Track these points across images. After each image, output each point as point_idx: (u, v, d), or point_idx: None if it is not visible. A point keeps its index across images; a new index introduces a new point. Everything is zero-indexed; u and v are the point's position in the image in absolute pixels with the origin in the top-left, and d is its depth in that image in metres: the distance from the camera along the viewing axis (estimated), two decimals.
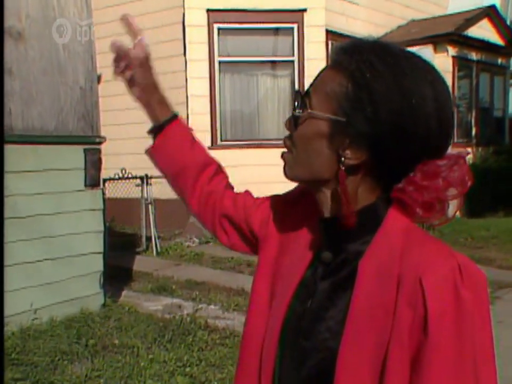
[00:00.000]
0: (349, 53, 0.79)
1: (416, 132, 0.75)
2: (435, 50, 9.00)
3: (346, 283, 0.79)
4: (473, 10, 9.74)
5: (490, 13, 9.65)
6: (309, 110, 0.81)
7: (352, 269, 0.79)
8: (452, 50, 9.42)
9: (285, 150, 0.87)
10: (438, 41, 8.87)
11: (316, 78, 0.84)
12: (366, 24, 9.20)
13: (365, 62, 0.76)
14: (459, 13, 9.76)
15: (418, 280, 0.71)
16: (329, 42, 8.50)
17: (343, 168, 0.78)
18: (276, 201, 1.02)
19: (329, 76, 0.80)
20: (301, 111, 0.82)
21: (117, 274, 5.56)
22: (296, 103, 0.83)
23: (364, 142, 0.76)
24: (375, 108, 0.75)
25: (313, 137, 0.80)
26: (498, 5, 11.11)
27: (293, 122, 0.83)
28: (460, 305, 0.70)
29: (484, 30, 10.08)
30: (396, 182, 0.78)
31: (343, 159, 0.78)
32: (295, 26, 8.02)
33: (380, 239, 0.78)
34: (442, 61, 9.26)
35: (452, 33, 9.11)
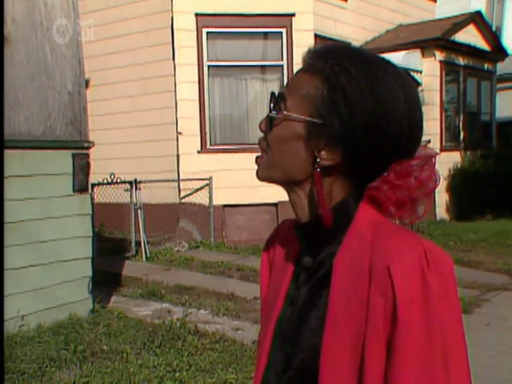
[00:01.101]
0: (323, 57, 0.81)
1: (388, 133, 0.78)
2: (423, 54, 9.08)
3: (323, 282, 0.81)
4: (460, 15, 9.86)
5: (476, 18, 9.76)
6: (285, 112, 0.82)
7: (328, 267, 0.81)
8: (439, 55, 9.51)
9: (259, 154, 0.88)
10: (425, 45, 8.95)
11: (290, 80, 0.86)
12: (354, 29, 9.26)
13: (340, 66, 0.79)
14: (446, 18, 9.86)
15: (387, 269, 0.73)
16: None
17: (318, 169, 0.80)
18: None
19: (305, 79, 0.82)
20: (276, 112, 0.83)
21: (106, 280, 5.52)
22: (271, 105, 0.85)
23: (339, 144, 0.79)
24: (350, 110, 0.78)
25: (288, 139, 0.82)
26: (483, 10, 11.25)
27: (268, 124, 0.85)
28: (427, 290, 0.71)
29: (470, 35, 10.19)
30: (369, 182, 0.81)
31: (318, 160, 0.80)
32: (283, 30, 8.05)
33: (352, 234, 0.80)
34: (430, 66, 9.35)
35: (439, 38, 9.20)
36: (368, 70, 0.79)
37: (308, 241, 0.86)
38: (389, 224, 0.81)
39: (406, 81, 0.82)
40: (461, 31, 9.77)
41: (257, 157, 0.87)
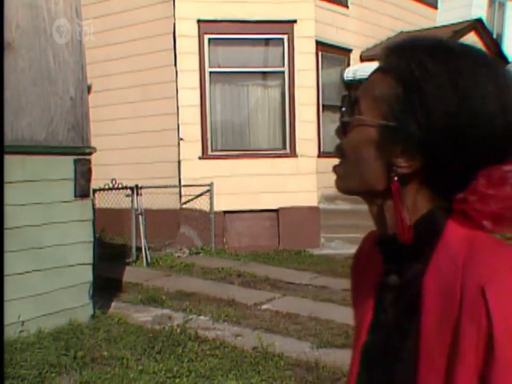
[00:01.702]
0: (398, 52, 0.74)
1: (476, 135, 0.68)
2: None
3: (412, 306, 0.72)
4: (461, 23, 9.88)
5: (477, 26, 9.79)
6: (358, 116, 0.75)
7: (417, 289, 0.71)
8: None
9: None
10: None
11: (365, 81, 0.78)
12: (356, 35, 9.29)
13: (415, 61, 0.70)
14: (447, 26, 9.88)
15: (481, 290, 0.63)
16: (319, 53, 8.57)
17: (396, 178, 0.72)
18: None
19: (378, 78, 0.75)
20: (349, 117, 0.77)
21: (106, 285, 5.51)
22: (344, 109, 0.78)
23: (417, 149, 0.70)
24: (426, 111, 0.69)
25: (362, 145, 0.75)
26: (484, 18, 11.28)
27: (342, 130, 0.78)
28: None
29: (471, 43, 10.20)
30: (457, 191, 0.71)
31: (395, 167, 0.72)
32: (285, 37, 8.08)
33: (440, 252, 0.71)
34: None
35: None
36: (450, 63, 0.70)
37: (391, 258, 0.78)
38: (486, 238, 0.69)
39: (501, 73, 0.71)
40: (462, 38, 9.79)
41: (334, 166, 0.80)
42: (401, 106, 0.71)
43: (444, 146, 0.69)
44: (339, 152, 0.79)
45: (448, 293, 0.67)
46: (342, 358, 3.84)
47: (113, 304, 5.18)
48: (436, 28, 10.35)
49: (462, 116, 0.68)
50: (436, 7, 11.54)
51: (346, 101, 0.79)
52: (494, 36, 11.58)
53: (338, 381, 3.54)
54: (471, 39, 10.15)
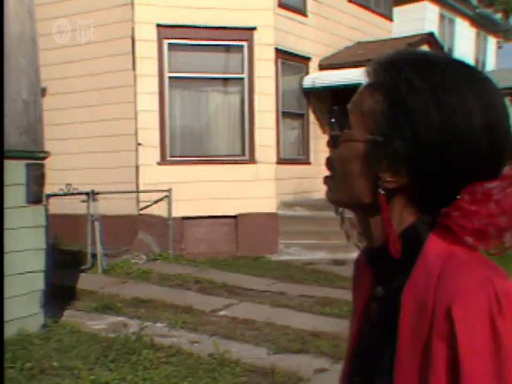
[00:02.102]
0: (385, 67, 0.74)
1: (460, 152, 0.68)
2: None
3: (393, 319, 0.73)
4: (415, 35, 10.19)
5: (430, 39, 10.12)
6: (347, 130, 0.77)
7: (397, 302, 0.73)
8: None
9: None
10: None
11: (355, 95, 0.79)
12: (315, 44, 9.44)
13: (401, 76, 0.71)
14: (402, 38, 10.16)
15: (448, 310, 0.64)
16: (279, 61, 8.66)
17: (383, 192, 0.73)
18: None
19: (366, 93, 0.76)
20: (339, 131, 0.78)
21: (59, 293, 5.37)
22: (334, 122, 0.79)
23: (403, 164, 0.71)
24: (412, 127, 0.69)
25: (351, 159, 0.76)
26: (436, 32, 11.68)
27: (332, 143, 0.79)
28: (497, 340, 0.62)
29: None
30: (443, 206, 0.71)
31: (381, 182, 0.73)
32: (245, 44, 8.12)
33: (420, 266, 0.71)
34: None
35: None
36: (435, 79, 0.70)
37: (378, 270, 0.79)
38: (462, 255, 0.69)
39: (487, 88, 0.71)
40: None
41: (325, 177, 0.81)
42: (387, 121, 0.71)
43: (429, 162, 0.69)
44: (329, 164, 0.80)
45: (421, 308, 0.68)
46: (297, 363, 3.87)
47: (66, 312, 5.05)
48: (392, 39, 10.63)
49: (447, 133, 0.68)
50: (391, 19, 11.86)
51: (336, 114, 0.79)
52: (446, 49, 11.98)
53: None
54: (397, 50, 10.49)
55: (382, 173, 0.72)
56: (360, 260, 0.91)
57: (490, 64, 17.35)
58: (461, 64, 0.73)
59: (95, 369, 3.69)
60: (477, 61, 16.03)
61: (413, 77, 0.70)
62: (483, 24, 17.02)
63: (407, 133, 0.69)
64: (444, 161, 0.69)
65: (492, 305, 0.63)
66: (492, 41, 18.15)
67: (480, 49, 17.06)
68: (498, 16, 18.69)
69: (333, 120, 0.79)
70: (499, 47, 18.92)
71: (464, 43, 15.61)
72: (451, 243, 0.70)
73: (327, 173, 0.81)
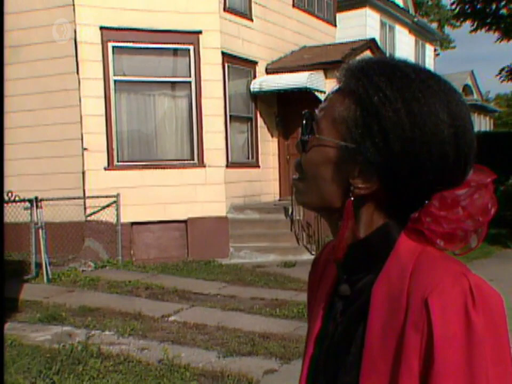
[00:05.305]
0: (356, 75, 0.74)
1: (430, 160, 0.70)
2: (326, 75, 9.50)
3: (361, 314, 0.74)
4: (358, 41, 10.49)
5: (371, 45, 10.44)
6: (317, 135, 0.76)
7: (367, 298, 0.74)
8: None
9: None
10: (327, 67, 9.38)
11: (324, 100, 0.79)
12: (261, 48, 9.52)
13: (374, 85, 0.72)
14: (346, 43, 10.42)
15: (424, 301, 0.66)
16: (226, 65, 8.68)
17: (353, 198, 0.73)
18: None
19: (338, 99, 0.76)
20: (308, 135, 0.78)
21: None
22: (304, 127, 0.78)
23: (375, 171, 0.72)
24: (384, 135, 0.70)
25: (321, 164, 0.76)
26: (378, 38, 12.06)
27: (301, 147, 0.79)
28: (470, 330, 0.64)
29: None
30: (412, 211, 0.73)
31: (352, 188, 0.73)
32: (191, 47, 8.09)
33: (392, 262, 0.73)
34: (332, 86, 9.77)
35: (339, 61, 9.68)
36: (406, 89, 0.71)
37: (345, 268, 0.79)
38: (433, 251, 0.72)
39: (454, 99, 0.73)
40: (359, 56, 10.37)
41: (294, 179, 0.81)
42: (360, 129, 0.72)
43: (400, 170, 0.71)
44: (298, 168, 0.80)
45: (395, 301, 0.70)
46: (248, 366, 3.89)
47: (7, 325, 4.86)
48: (336, 44, 10.88)
49: (417, 142, 0.70)
50: (334, 25, 12.14)
51: (306, 118, 0.79)
52: (387, 55, 12.38)
53: None
54: (367, 57, 10.81)
55: (353, 179, 0.73)
56: (319, 261, 0.92)
57: None
58: (429, 74, 0.74)
59: (37, 383, 3.57)
60: None
61: (385, 86, 0.71)
62: (421, 33, 17.74)
63: (379, 141, 0.71)
64: (414, 169, 0.70)
65: (467, 298, 0.65)
66: (429, 49, 18.96)
67: (419, 56, 17.75)
68: (434, 25, 19.57)
69: (304, 122, 0.79)
70: (436, 55, 19.77)
71: (404, 49, 16.19)
72: (421, 243, 0.73)
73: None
